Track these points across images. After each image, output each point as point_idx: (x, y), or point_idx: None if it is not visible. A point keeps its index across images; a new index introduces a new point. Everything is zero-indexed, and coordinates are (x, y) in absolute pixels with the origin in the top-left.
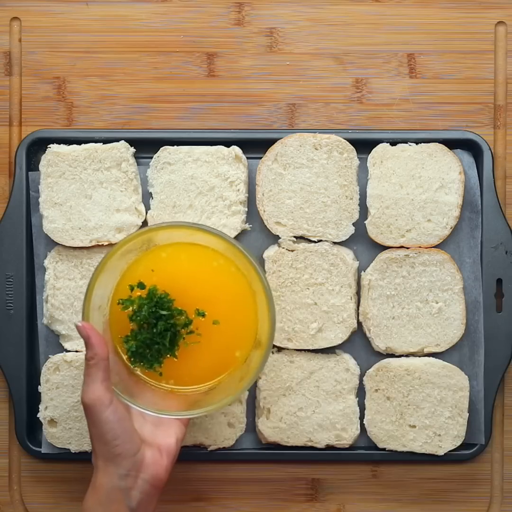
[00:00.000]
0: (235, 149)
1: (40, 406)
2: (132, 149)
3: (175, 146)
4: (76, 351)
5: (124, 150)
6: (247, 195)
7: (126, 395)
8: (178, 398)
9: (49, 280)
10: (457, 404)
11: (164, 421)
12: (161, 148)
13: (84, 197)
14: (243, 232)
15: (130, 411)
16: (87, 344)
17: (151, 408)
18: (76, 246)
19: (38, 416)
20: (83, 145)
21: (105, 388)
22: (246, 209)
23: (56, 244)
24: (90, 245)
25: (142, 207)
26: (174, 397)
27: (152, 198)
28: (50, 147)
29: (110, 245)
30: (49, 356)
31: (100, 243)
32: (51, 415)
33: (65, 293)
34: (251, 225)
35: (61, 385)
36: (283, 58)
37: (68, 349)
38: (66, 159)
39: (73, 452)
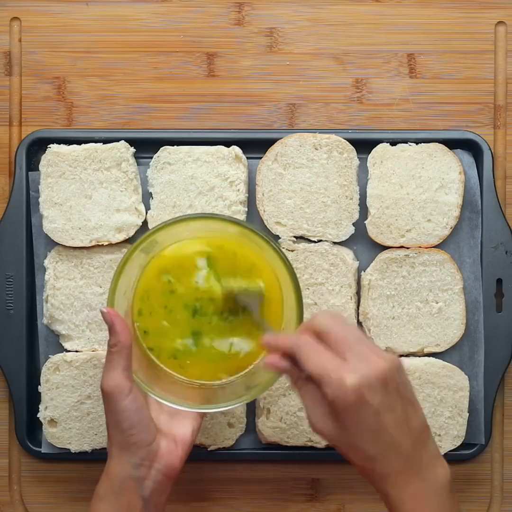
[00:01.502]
0: (235, 149)
1: (40, 406)
2: (132, 149)
3: (175, 146)
4: (76, 351)
5: (124, 150)
6: (247, 195)
7: (146, 384)
8: (198, 390)
9: (49, 280)
10: (457, 404)
11: (181, 411)
12: (161, 148)
13: (84, 197)
14: None
15: (147, 400)
16: (111, 330)
17: (170, 399)
18: (76, 246)
19: (38, 416)
20: (83, 145)
21: (126, 376)
22: (246, 209)
23: (56, 244)
24: (90, 245)
25: (142, 207)
26: (193, 389)
27: (152, 198)
28: (50, 147)
29: (110, 245)
30: (49, 356)
31: (100, 243)
32: (51, 415)
33: (65, 293)
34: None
35: (61, 385)
36: (283, 58)
37: (68, 349)
38: (66, 159)
39: (73, 452)
